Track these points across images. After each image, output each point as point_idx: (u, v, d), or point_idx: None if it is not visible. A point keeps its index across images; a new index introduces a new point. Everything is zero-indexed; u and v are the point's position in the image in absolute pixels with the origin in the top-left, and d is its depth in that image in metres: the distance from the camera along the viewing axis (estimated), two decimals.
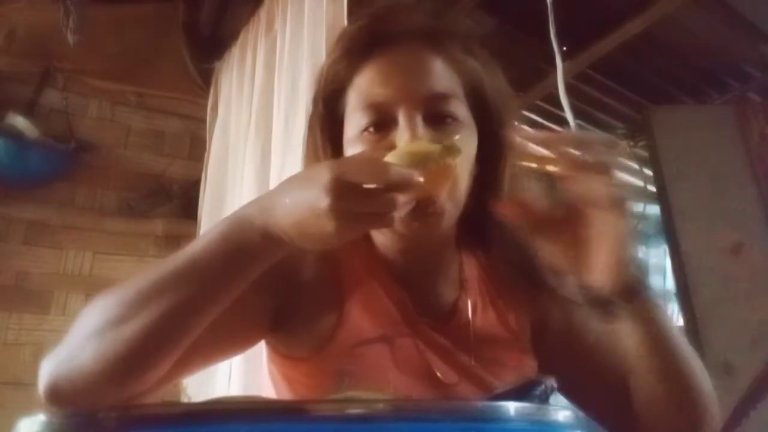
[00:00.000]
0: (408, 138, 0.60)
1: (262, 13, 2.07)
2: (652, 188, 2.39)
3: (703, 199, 2.08)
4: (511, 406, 0.29)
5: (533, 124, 3.06)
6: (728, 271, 1.98)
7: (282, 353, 0.69)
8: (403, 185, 0.47)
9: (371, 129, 0.64)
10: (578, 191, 0.51)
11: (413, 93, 0.63)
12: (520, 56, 2.39)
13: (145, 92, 2.65)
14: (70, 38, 2.12)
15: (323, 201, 0.45)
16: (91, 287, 2.37)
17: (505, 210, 0.57)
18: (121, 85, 2.60)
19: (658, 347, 0.58)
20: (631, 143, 2.97)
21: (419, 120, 0.62)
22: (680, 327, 0.69)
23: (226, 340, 0.64)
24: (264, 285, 0.61)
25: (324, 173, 0.46)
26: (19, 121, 2.26)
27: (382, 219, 0.49)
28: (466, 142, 0.64)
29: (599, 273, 0.54)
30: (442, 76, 0.65)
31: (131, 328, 0.47)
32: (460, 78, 0.67)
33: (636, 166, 3.06)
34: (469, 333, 0.69)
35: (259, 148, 1.87)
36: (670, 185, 2.14)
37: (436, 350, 0.67)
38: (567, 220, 0.53)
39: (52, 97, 2.46)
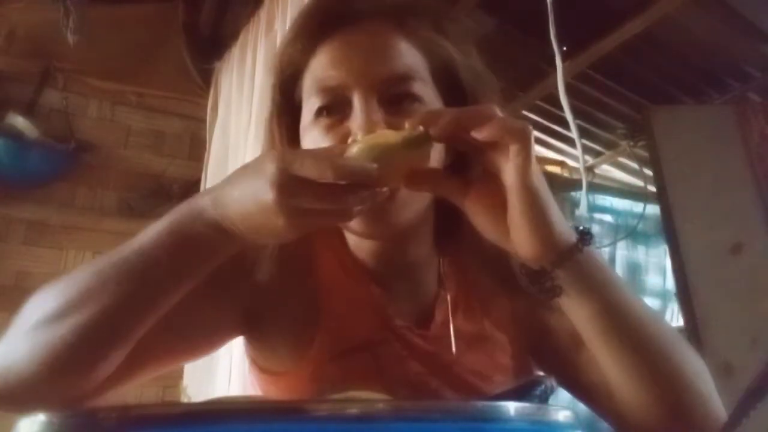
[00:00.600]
0: (361, 123, 0.55)
1: (262, 13, 2.07)
2: (652, 188, 2.39)
3: (703, 199, 2.08)
4: (511, 406, 0.29)
5: (533, 124, 3.06)
6: (728, 271, 1.98)
7: (261, 367, 0.66)
8: (356, 179, 0.43)
9: (325, 114, 0.59)
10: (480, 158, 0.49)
11: (368, 74, 0.57)
12: (520, 56, 2.39)
13: (145, 92, 2.66)
14: (70, 38, 2.12)
15: (268, 195, 0.42)
16: None
17: (412, 182, 0.51)
18: (121, 85, 2.60)
19: (610, 322, 0.50)
20: (631, 143, 2.97)
21: (374, 104, 0.56)
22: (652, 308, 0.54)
23: (185, 341, 0.60)
24: (225, 284, 0.58)
25: (269, 165, 0.43)
26: (19, 121, 2.27)
27: (336, 215, 0.46)
28: None
29: (521, 240, 0.48)
30: (402, 55, 0.59)
31: (68, 325, 0.45)
32: (426, 58, 0.61)
33: (636, 166, 3.06)
34: (449, 336, 0.65)
35: (258, 148, 1.85)
36: (670, 185, 2.14)
37: (417, 355, 0.64)
38: (482, 188, 0.50)
39: (52, 97, 2.46)
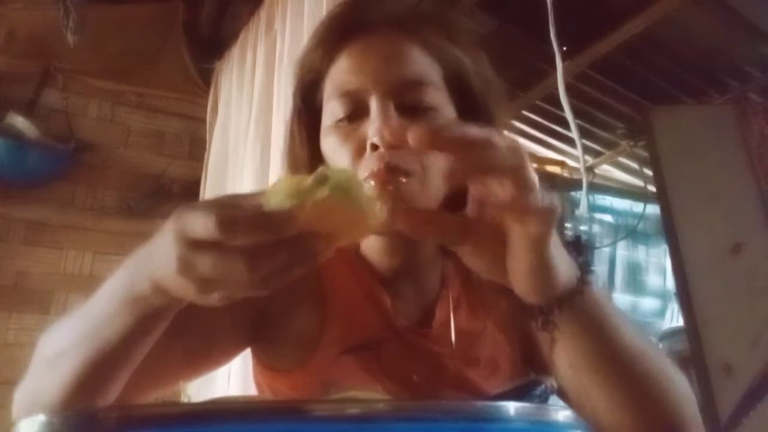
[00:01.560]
0: (378, 125, 0.56)
1: (262, 13, 2.08)
2: (652, 188, 2.39)
3: (703, 199, 2.08)
4: (511, 406, 0.29)
5: (533, 124, 3.06)
6: (728, 271, 1.98)
7: (266, 364, 0.67)
8: (266, 227, 0.36)
9: (345, 119, 0.61)
10: (485, 195, 0.42)
11: (385, 79, 0.60)
12: (520, 56, 2.39)
13: (145, 92, 2.66)
14: (70, 38, 2.13)
15: (171, 263, 0.37)
16: (91, 287, 2.35)
17: (407, 223, 0.45)
18: (121, 85, 2.60)
19: (602, 362, 0.50)
20: (631, 143, 2.97)
21: (392, 108, 0.59)
22: (645, 334, 0.53)
23: (201, 357, 0.62)
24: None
25: (168, 225, 0.38)
26: (19, 121, 2.27)
27: (255, 282, 0.37)
28: None
29: (520, 285, 0.46)
30: (416, 62, 0.62)
31: (62, 371, 0.47)
32: (440, 65, 0.64)
33: (636, 166, 3.07)
34: (450, 336, 0.66)
35: (258, 148, 1.87)
36: (670, 185, 2.14)
37: (420, 355, 0.65)
38: (479, 226, 0.45)
39: (52, 97, 2.47)
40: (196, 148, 2.66)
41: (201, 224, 0.36)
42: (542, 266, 0.45)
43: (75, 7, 2.11)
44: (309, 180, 0.38)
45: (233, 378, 1.66)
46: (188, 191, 2.58)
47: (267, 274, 0.37)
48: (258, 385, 0.71)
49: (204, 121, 2.57)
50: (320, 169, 0.39)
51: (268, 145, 1.81)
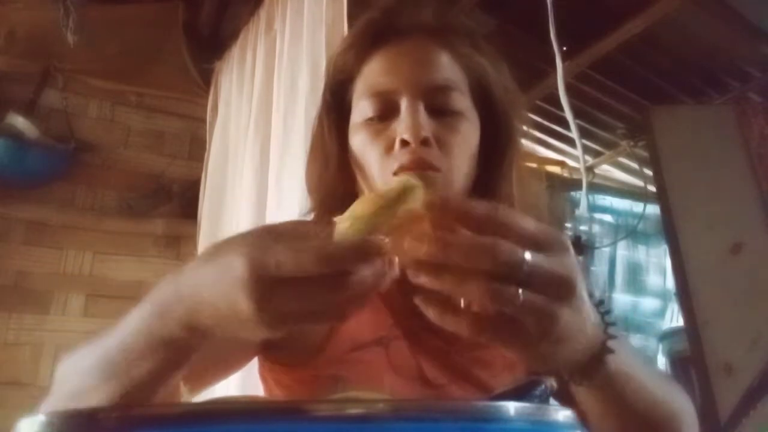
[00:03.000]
0: (408, 124, 0.60)
1: (262, 13, 2.07)
2: (652, 188, 2.39)
3: (703, 199, 2.08)
4: (511, 406, 0.29)
5: (533, 124, 3.06)
6: (728, 271, 1.98)
7: (274, 360, 0.68)
8: (360, 259, 0.35)
9: (375, 118, 0.65)
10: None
11: (416, 82, 0.63)
12: (520, 56, 2.39)
13: (145, 92, 2.66)
14: (70, 38, 2.13)
15: (243, 305, 0.36)
16: (91, 287, 2.37)
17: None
18: (121, 85, 2.60)
19: (617, 420, 0.49)
20: (631, 143, 2.97)
21: (422, 109, 0.62)
22: (660, 377, 0.58)
23: (221, 366, 0.63)
24: None
25: (239, 266, 0.36)
26: (19, 121, 2.27)
27: (335, 312, 0.38)
28: (468, 136, 0.65)
29: (536, 364, 0.44)
30: (446, 68, 0.66)
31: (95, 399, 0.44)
32: (465, 72, 0.67)
33: (636, 166, 3.07)
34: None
35: (258, 148, 1.87)
36: (670, 185, 2.14)
37: (429, 351, 0.66)
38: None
39: (52, 97, 2.46)
40: (196, 148, 2.66)
41: (291, 261, 0.34)
42: (561, 353, 0.41)
43: (75, 7, 2.11)
44: (392, 192, 0.39)
45: (233, 378, 1.66)
46: (188, 191, 2.58)
47: (349, 301, 0.37)
48: (263, 380, 0.72)
49: (204, 121, 2.57)
50: (401, 180, 0.42)
51: (267, 144, 1.81)
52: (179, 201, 2.58)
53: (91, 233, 2.43)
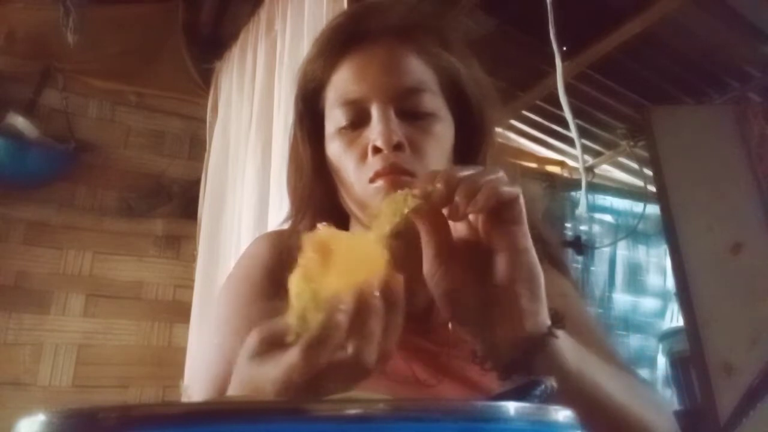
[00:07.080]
0: (379, 130, 0.60)
1: (262, 13, 2.08)
2: (652, 188, 2.39)
3: (703, 199, 2.08)
4: (511, 406, 0.29)
5: (533, 124, 3.06)
6: (728, 271, 1.98)
7: None
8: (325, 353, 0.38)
9: (348, 126, 0.65)
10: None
11: (385, 88, 0.63)
12: (520, 56, 2.39)
13: (145, 92, 2.66)
14: (70, 38, 2.13)
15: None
16: (91, 287, 2.37)
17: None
18: (121, 85, 2.60)
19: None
20: (631, 143, 2.97)
21: (392, 114, 0.62)
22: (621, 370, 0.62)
23: None
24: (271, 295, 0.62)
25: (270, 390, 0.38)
26: (19, 121, 2.27)
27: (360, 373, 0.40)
28: (441, 136, 0.65)
29: (483, 334, 0.51)
30: (414, 70, 0.65)
31: None
32: (435, 71, 0.67)
33: (636, 166, 3.07)
34: (449, 332, 0.67)
35: (259, 149, 1.87)
36: (670, 185, 2.14)
37: (420, 355, 0.66)
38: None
39: (52, 97, 2.47)
40: (196, 148, 2.66)
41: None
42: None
43: (75, 7, 2.11)
44: (385, 219, 0.42)
45: None
46: (188, 191, 2.58)
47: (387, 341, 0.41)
48: None
49: (204, 121, 2.57)
50: (387, 200, 0.45)
51: (268, 145, 1.81)
52: (179, 201, 2.59)
53: (91, 233, 2.43)
